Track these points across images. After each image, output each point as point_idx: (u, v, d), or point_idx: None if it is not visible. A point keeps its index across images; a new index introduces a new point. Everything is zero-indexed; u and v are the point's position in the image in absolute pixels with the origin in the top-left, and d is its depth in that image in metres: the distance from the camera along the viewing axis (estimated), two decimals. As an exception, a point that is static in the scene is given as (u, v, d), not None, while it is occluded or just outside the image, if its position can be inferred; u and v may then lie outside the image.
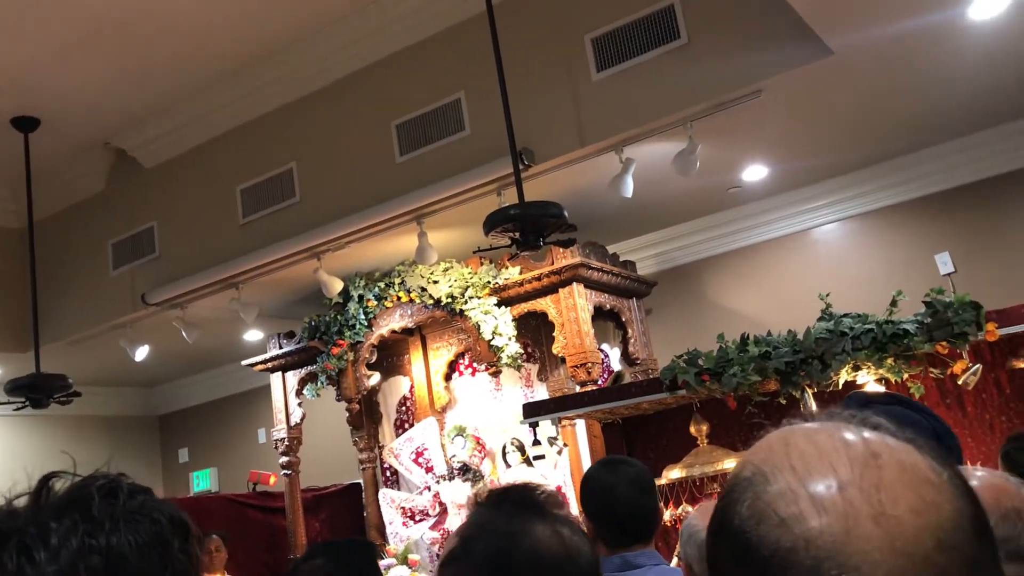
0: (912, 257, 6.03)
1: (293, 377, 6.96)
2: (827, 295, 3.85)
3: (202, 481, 9.03)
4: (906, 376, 3.68)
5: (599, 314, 6.07)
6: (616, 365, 6.36)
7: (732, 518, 0.68)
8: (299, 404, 6.94)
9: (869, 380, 3.76)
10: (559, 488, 6.05)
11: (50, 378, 6.14)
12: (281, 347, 6.94)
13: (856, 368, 3.70)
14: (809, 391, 3.79)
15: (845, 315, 3.75)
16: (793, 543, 0.63)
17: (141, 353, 7.04)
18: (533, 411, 4.79)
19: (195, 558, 0.89)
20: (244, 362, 7.24)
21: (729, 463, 4.18)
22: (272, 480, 7.32)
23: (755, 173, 5.96)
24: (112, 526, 0.83)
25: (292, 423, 6.93)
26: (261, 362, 7.03)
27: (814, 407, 3.79)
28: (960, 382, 3.56)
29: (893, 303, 3.73)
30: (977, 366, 3.58)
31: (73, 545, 0.80)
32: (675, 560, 3.70)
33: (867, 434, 0.69)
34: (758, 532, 0.65)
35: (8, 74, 5.86)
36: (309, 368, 6.79)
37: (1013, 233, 5.87)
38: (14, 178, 6.86)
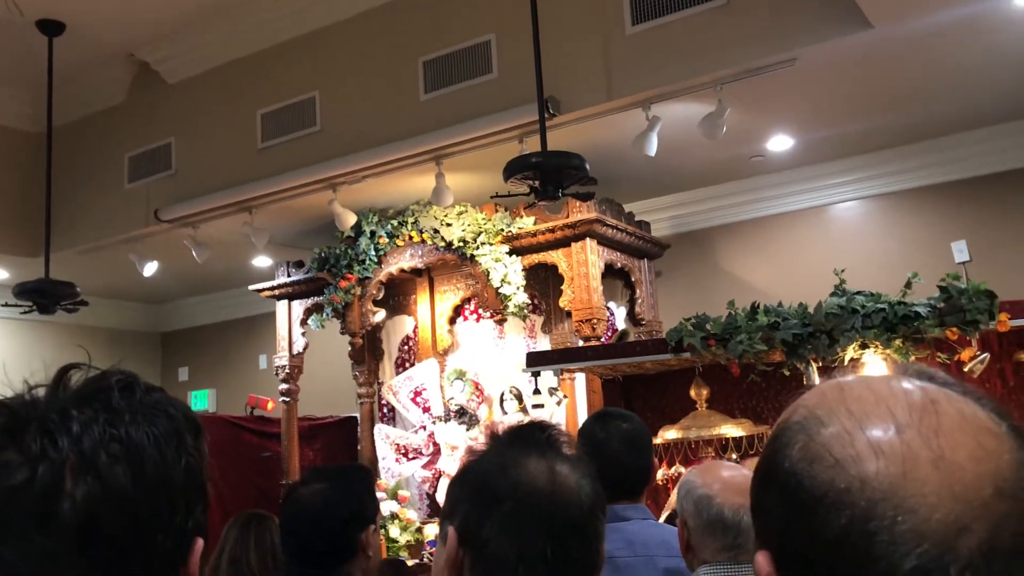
0: (928, 242, 5.99)
1: (299, 306, 6.98)
2: (842, 271, 3.83)
3: (200, 401, 9.11)
4: (913, 358, 3.68)
5: (609, 272, 6.06)
6: (621, 324, 6.36)
7: (782, 461, 0.67)
8: (303, 333, 6.97)
9: (875, 359, 3.76)
10: (553, 439, 6.10)
11: (58, 285, 6.16)
12: (290, 275, 6.95)
13: (864, 346, 3.70)
14: (814, 365, 3.80)
15: (858, 292, 3.74)
16: (848, 484, 0.62)
17: (150, 269, 7.06)
18: (536, 361, 4.81)
19: (205, 455, 0.91)
20: (251, 287, 7.26)
21: (726, 428, 4.21)
22: (270, 406, 7.38)
23: (780, 143, 5.90)
24: (132, 417, 0.84)
25: (294, 352, 6.97)
26: (268, 288, 7.05)
27: (817, 381, 3.80)
28: (967, 369, 3.56)
29: (908, 285, 3.71)
30: (985, 355, 3.57)
31: (95, 433, 0.81)
32: (663, 516, 3.74)
33: (924, 382, 0.68)
34: (811, 473, 0.64)
35: (37, -25, 5.80)
36: (316, 299, 6.80)
37: (1033, 227, 5.83)
38: (35, 82, 6.81)
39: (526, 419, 1.38)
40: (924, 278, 3.85)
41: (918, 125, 5.76)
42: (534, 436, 1.23)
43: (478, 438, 6.17)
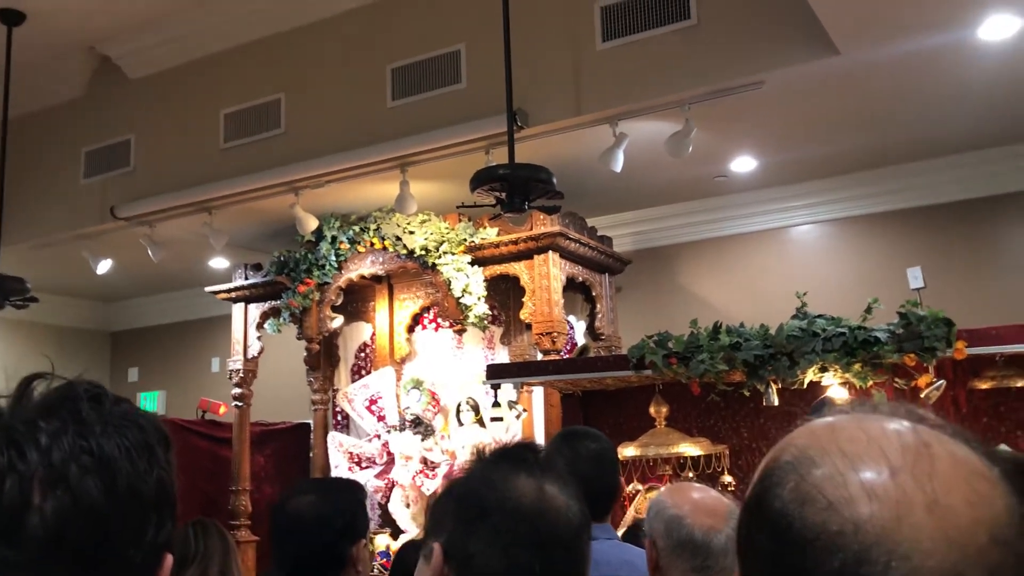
0: (884, 267, 6.09)
1: (256, 310, 6.89)
2: (804, 294, 3.87)
3: (150, 403, 8.94)
4: (870, 383, 3.72)
5: (570, 285, 6.06)
6: (580, 338, 6.37)
7: (772, 501, 0.66)
8: (258, 337, 6.87)
9: (834, 383, 3.80)
10: (509, 452, 6.08)
11: (8, 279, 5.99)
12: (247, 278, 6.86)
13: (823, 369, 3.74)
14: (774, 386, 3.82)
15: (819, 316, 3.78)
16: (841, 526, 0.61)
17: (104, 267, 6.92)
18: (496, 373, 4.79)
19: (174, 468, 0.90)
20: (208, 288, 7.14)
21: (684, 447, 4.22)
22: (222, 410, 7.26)
23: (744, 164, 5.96)
24: (102, 429, 0.82)
25: (249, 356, 6.87)
26: (225, 291, 6.95)
27: (776, 402, 3.83)
28: (923, 395, 3.61)
29: (868, 310, 3.76)
30: (941, 382, 3.62)
31: (65, 444, 0.79)
32: (620, 532, 3.73)
33: (916, 424, 0.67)
34: (802, 514, 0.63)
35: (-2, -38, 5.66)
36: (273, 303, 6.71)
37: (987, 257, 5.95)
38: (-9, 71, 6.65)
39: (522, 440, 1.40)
40: (880, 303, 3.90)
41: (880, 151, 5.86)
42: (523, 456, 1.22)
43: (433, 449, 6.13)
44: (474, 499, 1.16)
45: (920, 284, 5.84)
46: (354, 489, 2.35)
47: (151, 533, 0.83)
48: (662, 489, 2.16)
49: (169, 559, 0.86)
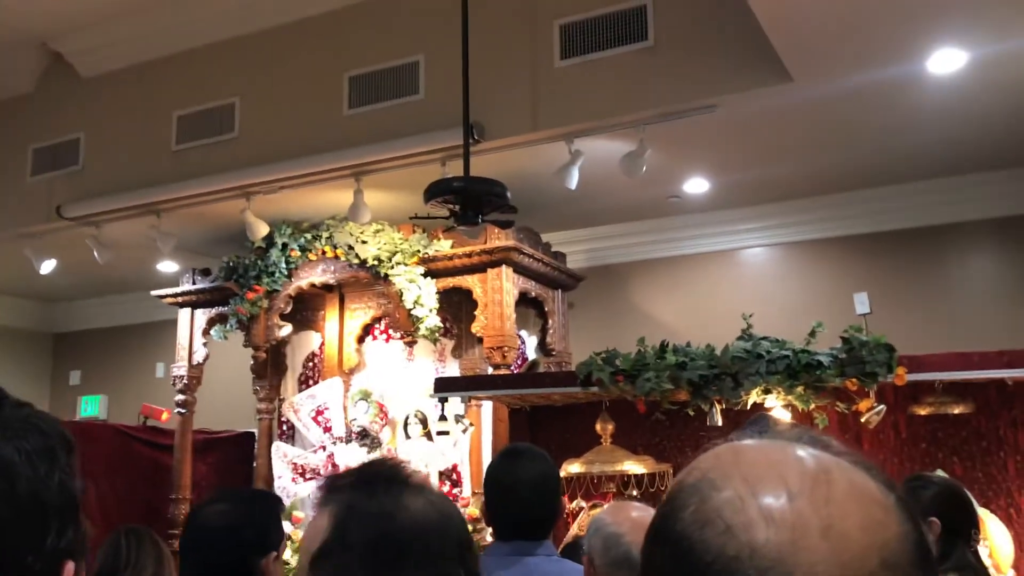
0: (832, 292, 6.18)
1: (202, 315, 6.78)
2: (750, 316, 3.91)
3: (91, 407, 8.75)
4: (813, 406, 3.76)
5: (523, 300, 6.07)
6: (531, 353, 6.37)
7: (674, 523, 0.67)
8: (204, 344, 6.77)
9: (777, 405, 3.84)
10: (455, 467, 6.04)
11: (-54, 277, 5.85)
12: (195, 283, 6.76)
13: (767, 391, 3.77)
14: (718, 406, 3.85)
15: (764, 338, 3.82)
16: (738, 551, 0.62)
17: (47, 267, 6.76)
18: (445, 386, 4.76)
19: (77, 473, 0.87)
20: (154, 292, 7.02)
21: (629, 465, 4.23)
22: (164, 416, 7.13)
23: (697, 186, 6.03)
24: (0, 432, 0.80)
25: (194, 362, 6.76)
26: (172, 295, 6.84)
27: (720, 423, 3.85)
28: (863, 419, 3.66)
29: (812, 334, 3.80)
30: (881, 407, 3.68)
31: None
32: (560, 547, 3.72)
33: (818, 451, 0.68)
34: (702, 538, 0.64)
35: (-52, -48, 5.54)
36: (220, 309, 6.62)
37: (932, 285, 6.07)
38: (-63, 63, 6.50)
39: (375, 459, 1.30)
40: (826, 327, 3.95)
41: (831, 178, 5.96)
42: (390, 475, 1.17)
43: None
44: (383, 540, 1.09)
45: (866, 310, 5.96)
46: (269, 500, 2.30)
47: (52, 539, 0.81)
48: (602, 507, 2.16)
49: (70, 567, 0.84)
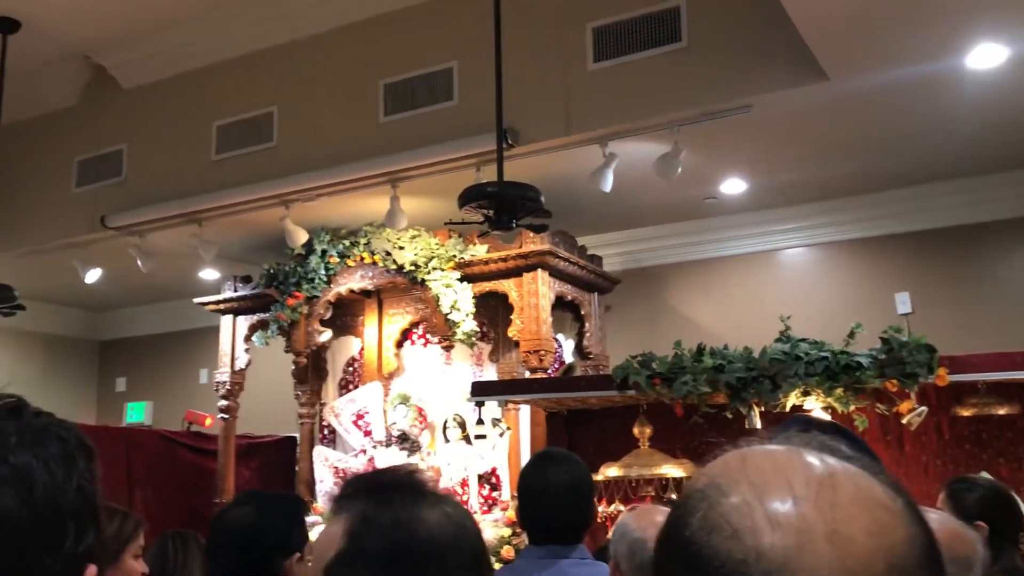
0: (872, 292, 6.11)
1: (244, 322, 6.87)
2: (788, 317, 3.88)
3: (136, 413, 8.90)
4: (852, 408, 3.72)
5: (559, 303, 6.07)
6: (568, 356, 6.37)
7: (683, 528, 0.68)
8: (246, 350, 6.85)
9: (816, 407, 3.80)
10: (494, 470, 6.06)
11: (-4, 287, 5.99)
12: (236, 290, 6.85)
13: (806, 393, 3.74)
14: (756, 409, 3.82)
15: (802, 339, 3.78)
16: (744, 555, 0.63)
17: (93, 276, 6.90)
18: (482, 390, 4.78)
19: (98, 479, 0.90)
20: (196, 300, 7.13)
21: (667, 468, 4.21)
22: (208, 422, 7.24)
23: (733, 187, 5.99)
24: (19, 439, 0.83)
25: (236, 368, 6.85)
26: (214, 302, 6.94)
27: (759, 425, 3.83)
28: (904, 421, 3.61)
29: (851, 335, 3.77)
30: (923, 408, 3.63)
31: None
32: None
33: (825, 456, 0.69)
34: (709, 542, 0.65)
35: (-6, -29, 5.68)
36: (261, 315, 6.70)
37: (975, 284, 5.97)
38: (-15, 79, 6.66)
39: (389, 467, 1.27)
40: (867, 328, 3.91)
41: (868, 177, 5.88)
42: (407, 484, 1.16)
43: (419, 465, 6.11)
44: (398, 551, 1.07)
45: (908, 310, 5.88)
46: (292, 502, 2.34)
47: (70, 543, 0.83)
48: (627, 512, 2.16)
49: (92, 570, 0.86)
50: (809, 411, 3.85)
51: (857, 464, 0.69)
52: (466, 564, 1.11)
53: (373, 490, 1.15)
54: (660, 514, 2.06)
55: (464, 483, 6.04)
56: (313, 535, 2.25)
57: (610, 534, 4.29)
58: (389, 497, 1.13)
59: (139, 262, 6.57)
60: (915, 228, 6.18)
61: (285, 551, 2.08)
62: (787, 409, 3.86)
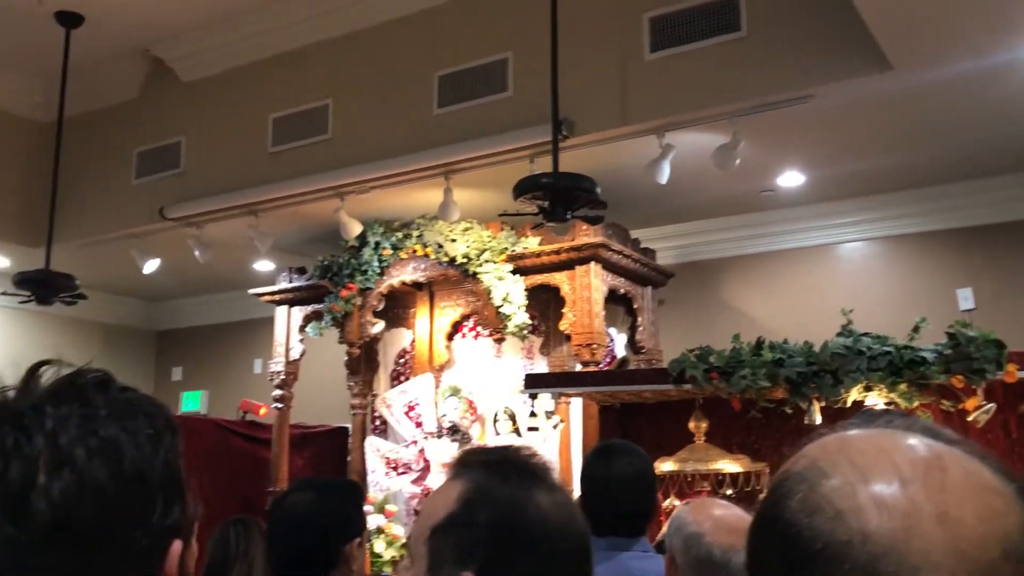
0: (933, 287, 5.97)
1: (298, 313, 6.94)
2: (850, 311, 3.80)
3: (192, 402, 9.05)
4: (916, 404, 3.64)
5: (611, 297, 6.02)
6: (620, 350, 6.33)
7: (782, 510, 0.66)
8: (300, 340, 6.92)
9: (879, 402, 3.72)
10: (545, 463, 6.04)
11: (58, 276, 6.13)
12: (291, 281, 6.92)
13: (868, 388, 3.66)
14: (816, 404, 3.76)
15: (864, 334, 3.71)
16: (849, 536, 0.61)
17: (151, 266, 7.03)
18: (535, 383, 4.77)
19: (181, 454, 0.91)
20: (252, 291, 7.22)
21: (723, 463, 4.16)
22: (263, 411, 7.32)
23: (791, 179, 5.89)
24: (108, 413, 0.84)
25: (291, 358, 6.92)
26: (269, 293, 7.01)
27: (819, 420, 3.76)
28: (970, 418, 3.52)
29: (916, 329, 3.68)
30: (991, 405, 3.53)
31: (71, 429, 0.81)
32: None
33: (929, 439, 0.67)
34: (810, 524, 0.63)
35: (58, -34, 5.80)
36: (315, 306, 6.76)
37: (1041, 279, 5.80)
38: (49, 73, 6.81)
39: (511, 444, 1.29)
40: (929, 323, 3.82)
41: (931, 169, 5.75)
42: (526, 466, 1.17)
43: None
44: (509, 527, 1.08)
45: (970, 305, 5.74)
46: (352, 488, 2.39)
47: (157, 516, 0.84)
48: (683, 505, 2.12)
49: (178, 545, 0.87)
50: (871, 407, 3.77)
51: (963, 448, 0.66)
52: (573, 553, 1.11)
53: (493, 463, 1.16)
54: (717, 507, 2.03)
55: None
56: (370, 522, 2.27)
57: (664, 528, 4.25)
58: (508, 474, 1.14)
59: (196, 253, 6.67)
60: (978, 222, 6.02)
61: (346, 536, 2.11)
62: (848, 404, 3.78)
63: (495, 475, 1.14)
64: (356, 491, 2.39)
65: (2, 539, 0.76)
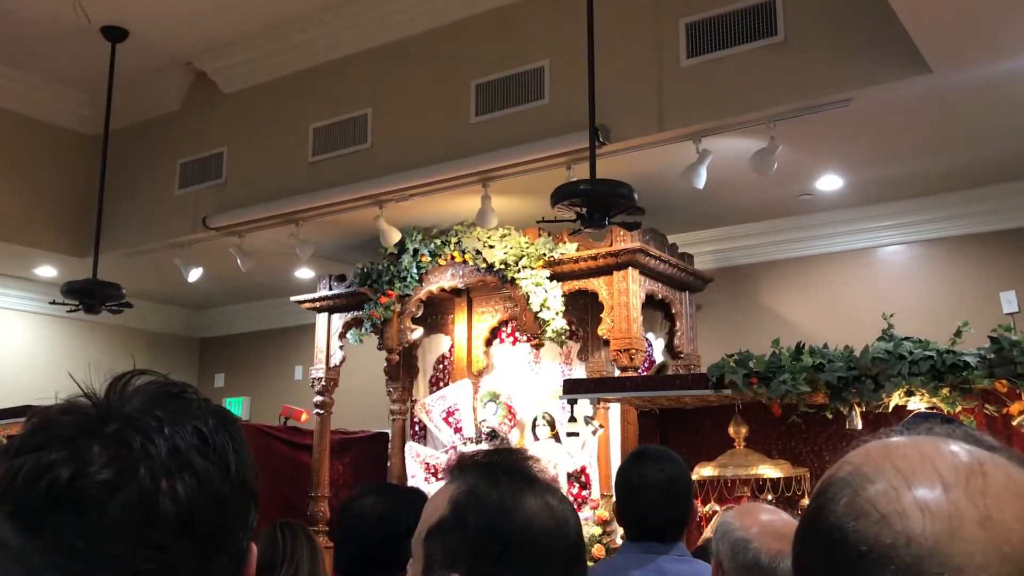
0: (976, 291, 5.90)
1: (339, 319, 7.02)
2: (891, 315, 3.78)
3: (234, 408, 9.16)
4: (959, 408, 3.61)
5: (649, 302, 6.03)
6: (658, 356, 6.32)
7: (827, 515, 0.68)
8: (340, 347, 7.00)
9: (920, 407, 3.70)
10: (583, 469, 6.06)
11: (105, 285, 6.26)
12: (331, 288, 7.00)
13: (909, 393, 3.64)
14: (857, 409, 3.74)
15: (905, 338, 3.68)
16: (894, 539, 0.62)
17: (195, 274, 7.15)
18: (573, 388, 4.79)
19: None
20: (293, 298, 7.31)
21: (764, 469, 4.15)
22: (304, 417, 7.41)
23: (830, 183, 5.86)
24: (212, 423, 0.88)
25: (331, 364, 6.99)
26: (310, 300, 7.10)
27: (859, 426, 3.74)
28: (1015, 423, 3.49)
29: (958, 333, 3.65)
30: (1036, 409, 3.50)
31: (187, 434, 0.84)
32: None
33: (971, 445, 0.69)
34: (856, 527, 0.65)
35: (105, -18, 5.94)
36: (355, 313, 6.83)
37: (1086, 282, 5.71)
38: (95, 87, 6.97)
39: (506, 448, 1.30)
40: (971, 327, 3.78)
41: (971, 172, 5.69)
42: (518, 467, 1.18)
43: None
44: (496, 532, 1.10)
45: (1014, 308, 5.67)
46: (416, 494, 2.43)
47: (252, 520, 0.89)
48: (731, 510, 2.12)
49: (254, 548, 0.91)
50: (912, 412, 3.75)
51: (1004, 454, 0.68)
52: (559, 558, 1.12)
53: (486, 466, 1.18)
54: (764, 513, 2.02)
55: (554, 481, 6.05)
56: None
57: (706, 532, 4.25)
58: (498, 477, 1.16)
59: (238, 261, 6.78)
60: (1019, 224, 5.94)
61: (410, 539, 2.15)
62: (889, 410, 3.76)
63: (486, 478, 1.16)
64: (422, 496, 2.44)
65: (137, 538, 0.78)
